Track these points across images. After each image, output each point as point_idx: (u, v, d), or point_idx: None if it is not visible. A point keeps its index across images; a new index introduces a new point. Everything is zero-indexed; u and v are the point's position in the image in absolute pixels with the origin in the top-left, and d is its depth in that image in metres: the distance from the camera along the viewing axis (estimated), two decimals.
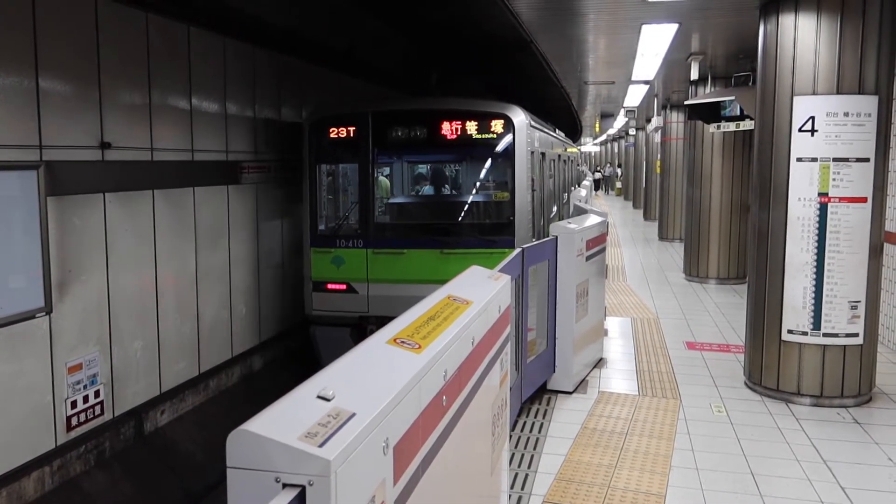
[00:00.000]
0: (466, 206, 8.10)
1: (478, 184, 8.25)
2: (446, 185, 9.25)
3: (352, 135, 7.61)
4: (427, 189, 9.31)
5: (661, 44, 8.79)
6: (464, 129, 7.45)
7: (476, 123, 7.45)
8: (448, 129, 7.48)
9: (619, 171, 38.75)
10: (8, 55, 4.37)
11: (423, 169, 9.51)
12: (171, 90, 6.07)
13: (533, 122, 8.22)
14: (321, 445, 1.55)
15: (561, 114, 23.63)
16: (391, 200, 8.63)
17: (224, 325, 6.94)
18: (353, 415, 1.72)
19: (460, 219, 7.89)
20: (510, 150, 7.46)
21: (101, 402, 5.15)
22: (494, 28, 9.55)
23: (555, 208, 10.88)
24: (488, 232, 7.62)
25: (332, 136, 7.65)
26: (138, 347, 5.67)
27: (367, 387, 1.95)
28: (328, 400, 1.75)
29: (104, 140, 5.19)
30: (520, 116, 7.49)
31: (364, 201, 7.60)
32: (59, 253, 4.77)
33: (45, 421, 4.67)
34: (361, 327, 7.43)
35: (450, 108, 7.62)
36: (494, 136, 7.49)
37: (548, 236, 6.17)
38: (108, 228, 5.29)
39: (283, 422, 1.61)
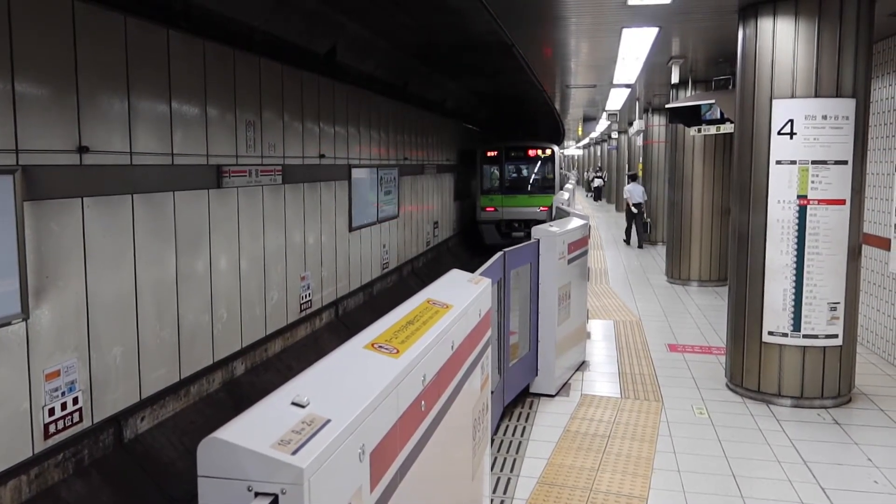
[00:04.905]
0: (536, 178, 21.23)
1: (540, 171, 21.31)
2: (528, 171, 21.46)
3: (496, 154, 21.01)
4: (514, 174, 21.66)
5: (641, 47, 8.82)
6: (537, 152, 21.24)
7: (541, 150, 21.24)
8: (532, 152, 21.23)
9: (602, 173, 38.67)
10: None
11: (520, 166, 21.68)
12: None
13: (560, 148, 24.69)
14: (294, 453, 1.53)
15: (543, 117, 23.73)
16: (508, 177, 21.18)
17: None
18: (328, 421, 1.71)
19: (534, 182, 21.17)
20: (553, 159, 21.33)
21: (80, 409, 5.08)
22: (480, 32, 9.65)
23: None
24: (545, 187, 20.86)
25: (488, 155, 21.05)
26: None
27: (342, 393, 1.93)
28: (303, 406, 1.73)
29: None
30: (556, 147, 21.75)
31: (501, 178, 20.99)
32: (37, 258, 4.70)
33: (22, 429, 4.60)
34: (498, 225, 20.50)
35: (532, 144, 21.40)
36: (548, 154, 21.32)
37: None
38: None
39: (256, 429, 1.59)
